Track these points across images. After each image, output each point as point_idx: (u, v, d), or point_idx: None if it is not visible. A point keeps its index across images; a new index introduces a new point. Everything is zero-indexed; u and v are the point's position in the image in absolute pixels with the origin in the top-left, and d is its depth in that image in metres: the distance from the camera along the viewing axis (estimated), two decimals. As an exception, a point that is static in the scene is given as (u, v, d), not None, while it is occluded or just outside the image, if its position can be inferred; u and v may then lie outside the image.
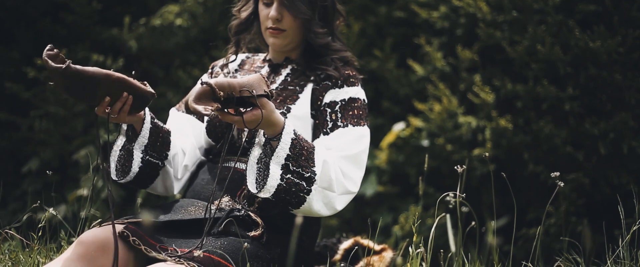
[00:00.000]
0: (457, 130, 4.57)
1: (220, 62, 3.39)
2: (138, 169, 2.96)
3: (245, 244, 2.65)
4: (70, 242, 3.48)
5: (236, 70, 3.30)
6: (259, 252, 2.82)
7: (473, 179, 4.45)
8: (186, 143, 3.16)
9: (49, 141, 5.12)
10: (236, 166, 3.02)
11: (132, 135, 2.97)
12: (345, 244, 3.28)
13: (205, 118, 3.17)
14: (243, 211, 2.90)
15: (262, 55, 3.32)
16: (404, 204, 4.81)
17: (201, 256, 2.59)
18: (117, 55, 5.24)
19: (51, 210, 3.15)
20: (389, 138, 4.84)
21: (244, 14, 3.24)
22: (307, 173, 2.80)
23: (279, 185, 2.77)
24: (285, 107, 3.04)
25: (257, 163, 2.81)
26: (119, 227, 2.69)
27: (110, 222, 2.72)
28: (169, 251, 2.64)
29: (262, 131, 2.80)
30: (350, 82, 3.11)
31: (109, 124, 2.83)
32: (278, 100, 3.07)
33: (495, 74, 4.59)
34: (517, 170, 4.42)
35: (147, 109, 2.94)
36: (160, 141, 2.97)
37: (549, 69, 4.34)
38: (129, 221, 2.73)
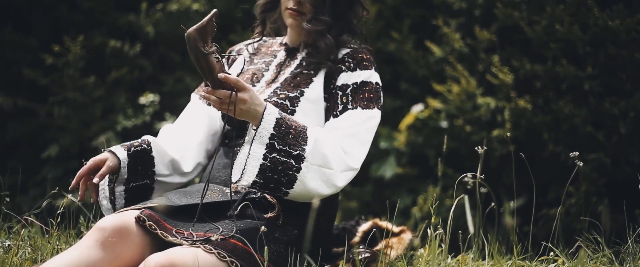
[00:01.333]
0: (476, 111, 4.55)
1: (237, 47, 3.39)
2: (124, 201, 2.97)
3: (263, 227, 2.65)
4: (89, 228, 3.49)
5: (253, 55, 3.30)
6: (276, 234, 2.82)
7: (492, 160, 4.43)
8: (195, 139, 3.19)
9: (68, 126, 5.13)
10: None
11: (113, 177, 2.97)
12: (364, 226, 3.27)
13: None
14: (259, 193, 2.90)
15: (279, 39, 3.32)
16: (423, 185, 4.80)
17: (218, 239, 2.59)
18: (135, 41, 5.24)
19: (70, 196, 3.15)
20: (408, 120, 4.82)
21: None
22: (296, 151, 2.79)
23: (262, 164, 2.76)
24: (299, 91, 3.03)
25: (245, 147, 2.82)
26: (136, 212, 2.69)
27: (127, 208, 2.74)
28: (185, 235, 2.65)
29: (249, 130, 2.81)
30: (364, 66, 3.09)
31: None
32: (292, 85, 3.06)
33: (514, 55, 4.56)
34: (536, 150, 4.40)
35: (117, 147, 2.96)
36: (141, 167, 2.98)
37: (567, 48, 4.31)
38: (145, 205, 2.74)
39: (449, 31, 4.75)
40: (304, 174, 2.80)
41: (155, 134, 5.08)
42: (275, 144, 2.78)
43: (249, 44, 3.35)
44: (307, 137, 2.82)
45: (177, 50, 5.46)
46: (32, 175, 5.04)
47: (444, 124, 4.67)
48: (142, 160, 2.99)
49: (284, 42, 3.26)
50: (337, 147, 2.89)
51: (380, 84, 3.11)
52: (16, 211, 3.64)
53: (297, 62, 3.17)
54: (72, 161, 5.09)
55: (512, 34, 4.62)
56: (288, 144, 2.79)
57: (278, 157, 2.77)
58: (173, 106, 5.27)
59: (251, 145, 2.78)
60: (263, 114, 2.78)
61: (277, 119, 2.79)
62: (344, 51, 3.11)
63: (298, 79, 3.09)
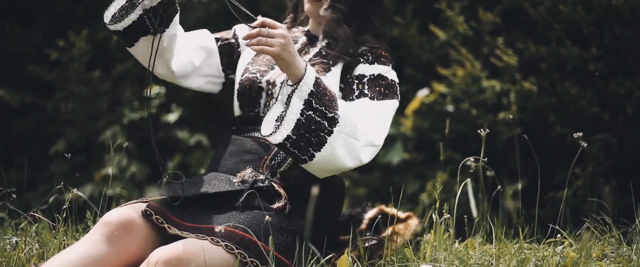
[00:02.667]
0: (481, 94, 4.54)
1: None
2: (131, 23, 2.89)
3: (267, 217, 2.65)
4: (95, 222, 3.50)
5: None
6: (283, 225, 2.82)
7: (499, 143, 4.42)
8: (194, 43, 3.21)
9: (75, 121, 5.14)
10: (258, 136, 3.04)
11: None
12: (370, 213, 3.27)
13: (237, 80, 3.19)
14: (267, 182, 2.90)
15: (302, 28, 3.34)
16: (430, 171, 4.79)
17: (222, 231, 2.59)
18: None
19: (75, 190, 3.16)
20: (413, 105, 4.82)
21: None
22: (331, 113, 2.76)
23: (298, 120, 2.73)
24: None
25: (278, 104, 2.78)
26: (142, 206, 2.70)
27: (134, 201, 2.74)
28: (192, 227, 2.65)
29: (284, 87, 2.79)
30: (381, 61, 3.10)
31: None
32: None
33: (518, 37, 4.55)
34: (543, 133, 4.39)
35: None
36: (166, 14, 2.91)
37: (572, 29, 4.30)
38: (152, 198, 2.74)
39: (453, 14, 4.74)
40: (334, 139, 2.76)
41: (163, 127, 5.11)
42: (313, 102, 2.74)
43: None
44: (338, 104, 2.80)
45: (181, 41, 5.46)
46: (39, 170, 5.05)
47: (450, 108, 4.67)
48: (169, 14, 2.94)
49: (306, 30, 3.28)
50: (363, 120, 2.88)
51: (397, 81, 3.11)
52: (25, 207, 3.64)
53: (316, 50, 3.18)
54: (79, 155, 5.10)
55: (516, 15, 4.61)
56: (324, 104, 2.75)
57: (313, 115, 2.73)
58: (179, 98, 5.27)
59: (290, 98, 2.73)
60: (306, 68, 2.75)
61: (316, 77, 2.77)
62: (364, 48, 3.12)
63: (316, 66, 3.10)
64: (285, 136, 2.71)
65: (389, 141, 4.86)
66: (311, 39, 3.23)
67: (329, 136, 2.74)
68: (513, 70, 4.43)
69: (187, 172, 5.04)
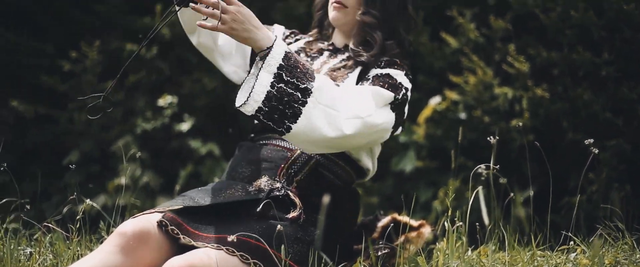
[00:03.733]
0: (493, 101, 4.53)
1: (289, 32, 3.45)
2: None
3: (279, 226, 2.66)
4: (110, 233, 3.51)
5: (302, 48, 3.34)
6: (298, 234, 2.82)
7: (512, 150, 4.42)
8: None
9: (88, 131, 5.15)
10: (277, 143, 3.06)
11: None
12: (383, 221, 3.27)
13: None
14: (283, 191, 2.91)
15: (326, 42, 3.37)
16: (443, 178, 4.79)
17: (235, 240, 2.60)
18: (151, 44, 5.26)
19: (88, 201, 3.17)
20: (426, 112, 4.82)
21: None
22: (304, 84, 2.78)
23: (268, 92, 2.74)
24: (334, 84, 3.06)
25: (250, 77, 2.80)
26: (157, 216, 2.71)
27: (149, 211, 2.75)
28: (207, 237, 2.66)
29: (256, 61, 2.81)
30: (394, 66, 3.13)
31: None
32: (329, 79, 3.10)
33: (530, 43, 4.54)
34: (556, 139, 4.38)
35: None
36: None
37: (583, 34, 4.29)
38: (167, 209, 2.75)
39: (464, 21, 4.74)
40: (309, 110, 2.77)
41: (175, 136, 5.12)
42: (283, 74, 2.76)
43: (304, 38, 3.42)
44: (314, 77, 2.82)
45: (194, 52, 5.44)
46: (54, 181, 5.06)
47: (463, 115, 4.66)
48: None
49: (330, 42, 3.31)
50: (346, 94, 2.89)
51: (406, 86, 3.11)
52: (39, 218, 3.66)
53: (337, 60, 3.21)
54: (94, 166, 5.12)
55: (527, 21, 4.61)
56: (296, 76, 2.78)
57: (285, 87, 2.75)
58: (192, 107, 5.29)
59: (259, 72, 2.76)
60: (273, 44, 2.78)
61: (286, 52, 2.80)
62: (383, 58, 3.15)
63: (335, 73, 3.12)
64: (256, 108, 2.73)
65: (402, 148, 4.86)
66: (335, 51, 3.26)
67: (303, 106, 2.76)
68: (525, 77, 4.43)
69: (199, 181, 5.05)
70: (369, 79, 3.06)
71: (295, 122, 2.75)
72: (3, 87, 5.29)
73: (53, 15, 5.27)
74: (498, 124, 4.47)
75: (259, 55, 2.79)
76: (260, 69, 2.75)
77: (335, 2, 3.20)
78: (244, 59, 3.32)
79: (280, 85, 2.74)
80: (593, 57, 4.22)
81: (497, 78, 4.56)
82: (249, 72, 2.86)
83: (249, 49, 3.31)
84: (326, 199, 2.27)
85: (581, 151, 4.24)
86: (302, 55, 3.32)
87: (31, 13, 5.26)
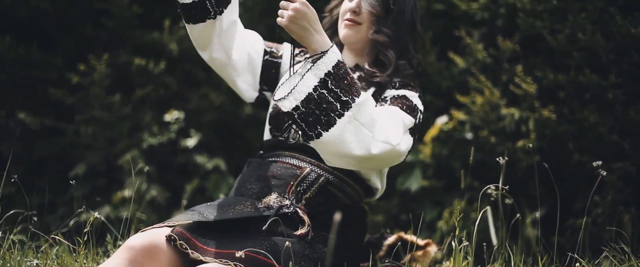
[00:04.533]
0: (500, 122, 4.54)
1: (298, 51, 3.47)
2: (190, 2, 3.02)
3: (287, 243, 2.66)
4: (115, 246, 3.52)
5: None
6: (306, 252, 2.83)
7: (518, 170, 4.42)
8: (247, 44, 3.28)
9: (95, 145, 5.16)
10: (286, 161, 3.07)
11: None
12: (389, 240, 3.28)
13: (271, 103, 3.27)
14: (292, 208, 2.91)
15: None
16: (449, 198, 4.79)
17: (243, 256, 2.60)
18: (159, 59, 5.27)
19: (96, 213, 3.18)
20: (433, 132, 4.82)
21: (334, 12, 3.34)
22: (345, 97, 2.78)
23: (309, 94, 2.76)
24: None
25: (296, 76, 2.83)
26: (166, 230, 2.71)
27: (157, 225, 2.76)
28: (216, 252, 2.66)
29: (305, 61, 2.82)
30: (409, 87, 3.14)
31: None
32: None
33: (537, 64, 4.55)
34: (562, 160, 4.38)
35: None
36: None
37: (590, 56, 4.30)
38: (176, 223, 2.75)
39: (472, 42, 4.75)
40: (343, 123, 2.78)
41: (181, 151, 5.13)
42: (329, 82, 2.77)
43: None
44: (360, 93, 2.83)
45: (202, 67, 5.48)
46: (60, 194, 5.07)
47: (469, 135, 4.66)
48: None
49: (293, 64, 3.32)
50: (381, 117, 2.89)
51: (420, 108, 3.12)
52: (45, 230, 3.66)
53: None
54: (100, 179, 5.12)
55: (535, 43, 4.61)
56: (340, 87, 2.78)
57: (326, 95, 2.76)
58: (198, 123, 5.29)
59: (306, 72, 2.78)
60: (328, 50, 2.80)
61: (339, 61, 2.81)
62: (396, 79, 3.16)
63: None
64: (293, 106, 2.75)
65: (408, 167, 4.86)
66: None
67: (339, 118, 2.76)
68: (532, 98, 4.43)
69: (204, 196, 5.06)
70: (387, 100, 3.06)
71: (327, 131, 2.76)
72: (11, 99, 5.31)
73: (65, 29, 5.29)
74: (504, 145, 4.47)
75: (311, 57, 2.81)
76: (308, 70, 2.77)
77: (347, 19, 3.20)
78: (254, 78, 3.33)
79: (323, 91, 2.75)
80: (600, 80, 4.23)
81: (504, 99, 4.57)
82: (291, 69, 2.89)
83: (258, 69, 3.32)
84: (337, 216, 2.27)
85: (587, 173, 4.26)
86: None
87: (41, 26, 5.27)
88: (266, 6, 5.24)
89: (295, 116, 2.76)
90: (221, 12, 3.04)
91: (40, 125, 5.21)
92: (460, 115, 4.68)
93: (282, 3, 2.82)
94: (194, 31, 3.11)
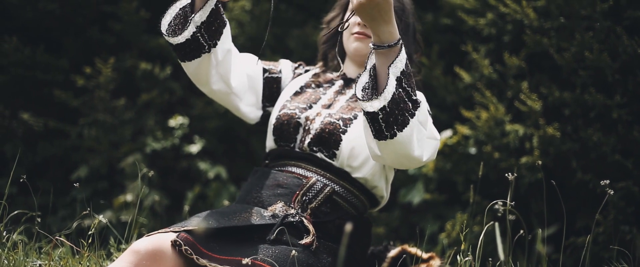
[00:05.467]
0: (504, 138, 4.54)
1: (297, 64, 3.47)
2: (184, 41, 2.97)
3: (294, 252, 2.66)
4: (118, 249, 3.52)
5: (313, 80, 3.37)
6: (310, 261, 2.83)
7: (521, 187, 4.42)
8: (244, 67, 3.26)
9: (98, 148, 5.16)
10: (292, 170, 3.07)
11: (193, 7, 2.97)
12: (393, 252, 3.28)
13: (274, 114, 3.26)
14: (297, 217, 2.92)
15: (335, 73, 3.39)
16: (450, 212, 4.79)
17: (250, 263, 2.61)
18: (165, 64, 5.28)
19: (101, 218, 3.18)
20: (436, 145, 4.82)
21: (332, 24, 3.34)
22: (414, 96, 2.76)
23: (394, 93, 2.70)
24: (353, 114, 3.09)
25: (371, 71, 2.75)
26: (171, 235, 2.71)
27: (163, 230, 2.76)
28: (221, 259, 2.67)
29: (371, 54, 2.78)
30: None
31: None
32: (347, 109, 3.12)
33: (543, 81, 4.55)
34: (565, 178, 4.39)
35: None
36: (215, 26, 2.98)
37: (596, 75, 4.31)
38: (182, 229, 2.75)
39: (478, 57, 4.75)
40: (415, 122, 2.76)
41: (184, 157, 5.13)
42: (403, 80, 2.74)
43: (312, 69, 3.44)
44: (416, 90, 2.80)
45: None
46: (61, 196, 5.07)
47: (473, 150, 4.67)
48: (218, 25, 3.01)
49: (341, 73, 3.32)
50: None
51: (429, 110, 3.13)
52: (46, 232, 3.66)
53: (353, 92, 3.22)
54: (102, 182, 5.12)
55: (541, 60, 4.62)
56: (411, 86, 2.75)
57: (402, 94, 2.73)
58: (202, 129, 5.30)
59: (389, 67, 2.71)
60: (399, 44, 2.74)
61: (406, 58, 2.77)
62: None
63: (354, 105, 3.14)
64: (382, 106, 2.70)
65: (411, 180, 4.87)
66: (348, 82, 3.28)
67: (412, 118, 2.74)
68: (537, 115, 4.44)
69: (205, 203, 5.06)
70: None
71: (402, 131, 2.73)
72: (16, 99, 5.31)
73: (72, 32, 5.29)
74: (508, 161, 4.48)
75: (378, 49, 2.74)
76: (388, 67, 2.71)
77: (357, 33, 3.21)
78: (257, 97, 3.33)
79: (400, 90, 2.73)
80: (605, 99, 4.24)
81: (508, 115, 4.58)
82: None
83: (260, 87, 3.32)
84: (348, 227, 2.27)
85: (589, 192, 4.26)
86: (314, 85, 3.34)
87: (48, 28, 5.28)
88: (274, 15, 5.25)
89: (379, 116, 2.71)
90: (215, 45, 3.01)
91: (43, 127, 5.22)
92: (464, 130, 4.68)
93: None
94: (191, 68, 3.08)
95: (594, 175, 4.27)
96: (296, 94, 3.30)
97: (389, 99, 2.69)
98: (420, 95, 3.12)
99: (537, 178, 4.35)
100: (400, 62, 2.72)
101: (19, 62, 5.09)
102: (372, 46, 2.74)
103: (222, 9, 2.99)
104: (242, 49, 5.23)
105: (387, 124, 2.72)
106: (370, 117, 2.73)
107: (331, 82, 3.34)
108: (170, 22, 3.00)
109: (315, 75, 3.40)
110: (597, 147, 4.26)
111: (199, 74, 3.10)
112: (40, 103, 5.32)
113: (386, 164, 3.02)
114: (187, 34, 2.94)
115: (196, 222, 2.79)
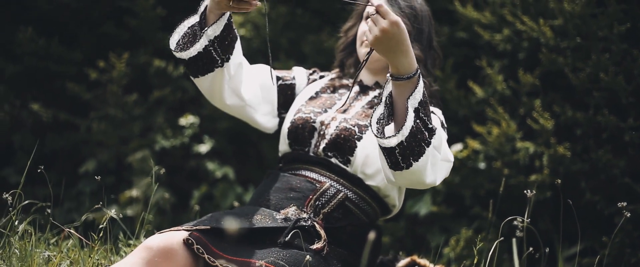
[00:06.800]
0: (514, 154, 4.54)
1: (311, 70, 3.47)
2: (196, 53, 2.95)
3: (308, 256, 2.66)
4: (127, 244, 3.52)
5: (328, 85, 3.37)
6: (321, 266, 2.83)
7: (530, 204, 4.42)
8: (256, 79, 3.23)
9: (106, 142, 5.17)
10: (306, 175, 3.07)
11: (204, 22, 2.95)
12: (402, 262, 3.28)
13: (288, 118, 3.25)
14: (309, 221, 2.92)
15: (351, 79, 3.38)
16: (456, 225, 4.79)
17: (262, 266, 2.61)
18: (178, 62, 5.29)
19: (113, 213, 3.18)
20: (446, 158, 4.82)
21: (350, 33, 3.34)
22: (430, 124, 2.74)
23: (412, 128, 2.68)
24: (368, 121, 3.09)
25: (386, 102, 2.74)
26: (184, 234, 2.71)
27: (175, 228, 2.76)
28: (232, 260, 2.66)
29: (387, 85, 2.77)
30: (433, 105, 3.15)
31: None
32: (363, 116, 3.11)
33: (556, 100, 4.55)
34: (573, 198, 4.38)
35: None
36: (228, 41, 2.97)
37: (610, 97, 4.31)
38: (194, 228, 2.76)
39: (492, 73, 4.75)
40: (431, 150, 2.74)
41: (193, 157, 5.13)
42: (420, 111, 2.72)
43: (327, 75, 3.44)
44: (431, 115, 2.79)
45: (219, 74, 5.50)
46: (69, 188, 5.07)
47: (482, 165, 4.66)
48: (231, 39, 2.98)
49: (358, 80, 3.32)
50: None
51: (444, 123, 3.12)
52: (52, 224, 3.66)
53: (368, 98, 3.23)
54: (109, 176, 5.13)
55: (555, 79, 4.62)
56: (427, 114, 2.74)
57: (420, 125, 2.71)
58: (213, 129, 5.30)
59: (408, 100, 2.70)
60: (417, 76, 2.72)
61: (423, 87, 2.75)
62: None
63: (368, 112, 3.14)
64: (399, 141, 2.70)
65: (418, 192, 4.87)
66: (363, 88, 3.27)
67: (428, 147, 2.73)
68: (548, 134, 4.44)
69: (211, 203, 5.06)
70: None
71: (417, 161, 2.72)
72: (27, 90, 5.32)
73: (87, 26, 5.30)
74: (517, 178, 4.48)
75: (397, 80, 2.74)
76: (407, 100, 2.71)
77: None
78: (272, 106, 3.33)
79: (418, 121, 2.71)
80: (618, 121, 4.23)
81: (520, 132, 4.57)
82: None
83: (275, 96, 3.32)
84: (371, 235, 2.27)
85: (597, 213, 4.26)
86: (329, 90, 3.34)
87: (63, 20, 5.29)
88: (289, 20, 5.25)
89: (397, 151, 2.71)
90: (228, 59, 3.00)
91: (53, 119, 5.22)
92: (475, 144, 4.68)
93: (373, 17, 2.70)
94: (204, 83, 3.07)
95: (603, 196, 4.27)
96: (311, 98, 3.30)
97: (407, 134, 2.69)
98: (438, 113, 3.11)
99: (546, 196, 4.34)
100: (419, 92, 2.71)
101: (33, 53, 5.10)
102: (390, 77, 2.74)
103: (233, 24, 2.98)
104: (257, 52, 5.27)
105: (403, 157, 2.72)
106: (387, 151, 2.74)
107: (347, 87, 3.34)
108: (179, 41, 3.00)
109: (332, 80, 3.40)
110: (607, 168, 4.26)
111: (213, 90, 3.08)
112: (51, 95, 5.33)
113: (399, 186, 3.03)
114: (198, 46, 2.93)
115: (209, 222, 2.79)
